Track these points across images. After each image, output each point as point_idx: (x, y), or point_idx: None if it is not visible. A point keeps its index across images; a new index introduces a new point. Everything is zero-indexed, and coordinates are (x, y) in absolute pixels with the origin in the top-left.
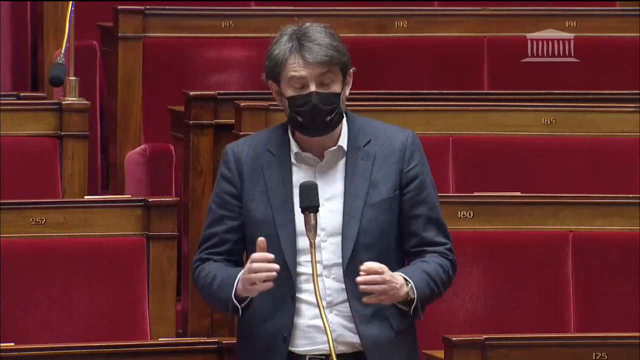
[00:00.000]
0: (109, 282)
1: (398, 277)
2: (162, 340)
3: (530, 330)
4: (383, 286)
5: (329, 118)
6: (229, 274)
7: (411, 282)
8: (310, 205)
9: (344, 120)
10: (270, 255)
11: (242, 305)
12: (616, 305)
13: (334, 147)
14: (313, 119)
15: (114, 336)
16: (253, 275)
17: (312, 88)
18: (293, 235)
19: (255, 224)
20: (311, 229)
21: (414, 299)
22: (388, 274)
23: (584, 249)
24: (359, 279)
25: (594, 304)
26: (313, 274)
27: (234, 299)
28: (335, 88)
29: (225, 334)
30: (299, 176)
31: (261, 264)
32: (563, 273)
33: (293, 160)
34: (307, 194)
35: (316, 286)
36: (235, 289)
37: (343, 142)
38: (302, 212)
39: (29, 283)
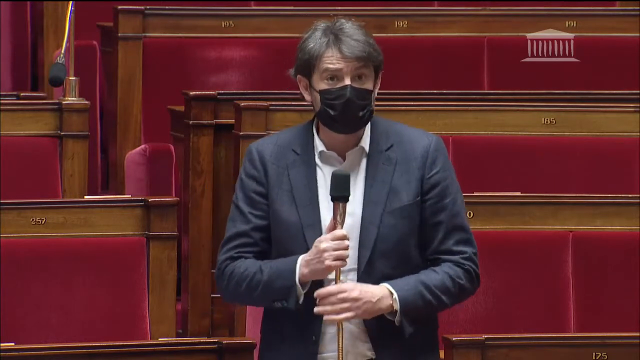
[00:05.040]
0: (109, 282)
1: (377, 289)
2: (162, 340)
3: (530, 330)
4: (344, 305)
5: (361, 114)
6: (282, 263)
7: (395, 294)
8: (341, 195)
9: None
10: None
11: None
12: (616, 305)
13: (356, 148)
14: (345, 113)
15: (114, 336)
16: (343, 252)
17: (347, 81)
18: (320, 235)
19: (281, 223)
20: (340, 217)
21: (397, 311)
22: (356, 291)
23: (584, 249)
24: (315, 309)
25: (594, 304)
26: (336, 274)
27: (298, 285)
28: (368, 85)
29: (225, 334)
30: (324, 176)
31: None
32: (563, 273)
33: (317, 160)
34: (339, 183)
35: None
36: (299, 274)
37: (365, 143)
38: (332, 200)
39: (29, 283)
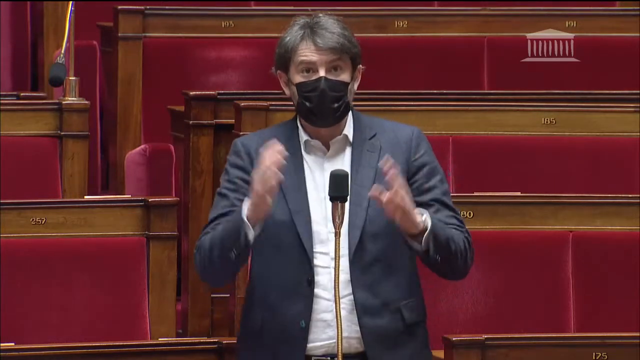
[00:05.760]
0: (109, 282)
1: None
2: (162, 340)
3: (530, 330)
4: (401, 192)
5: (335, 105)
6: (234, 212)
7: (425, 214)
8: (340, 195)
9: (350, 115)
10: (277, 145)
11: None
12: (616, 305)
13: (340, 137)
14: (321, 105)
15: (114, 336)
16: (263, 168)
17: (322, 73)
18: (308, 221)
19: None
20: (338, 218)
21: (427, 228)
22: (406, 189)
23: (584, 249)
24: (384, 163)
25: (594, 304)
26: (336, 265)
27: (245, 219)
28: (344, 77)
29: (225, 334)
30: (309, 166)
31: (267, 153)
32: (563, 273)
33: (302, 149)
34: (338, 183)
35: (336, 279)
36: (246, 213)
37: (348, 132)
38: (331, 200)
39: (29, 283)
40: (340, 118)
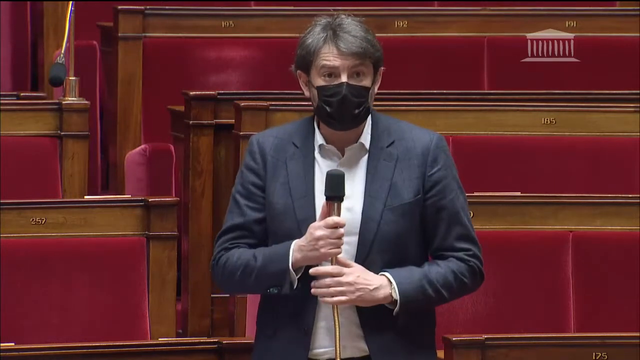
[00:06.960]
0: (109, 282)
1: (376, 278)
2: (162, 340)
3: (530, 330)
4: (338, 288)
5: (357, 111)
6: (275, 248)
7: (394, 283)
8: (336, 195)
9: (369, 118)
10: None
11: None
12: (616, 305)
13: (355, 145)
14: (341, 110)
15: (114, 336)
16: (337, 240)
17: (344, 78)
18: None
19: (276, 215)
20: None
21: (397, 300)
22: (352, 275)
23: (584, 249)
24: (312, 290)
25: (594, 304)
26: (332, 260)
27: (291, 270)
28: (366, 82)
29: (225, 334)
30: (321, 170)
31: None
32: (563, 273)
33: (317, 154)
34: (334, 183)
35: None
36: (292, 258)
37: (365, 140)
38: (327, 200)
39: (29, 283)
40: (360, 122)
